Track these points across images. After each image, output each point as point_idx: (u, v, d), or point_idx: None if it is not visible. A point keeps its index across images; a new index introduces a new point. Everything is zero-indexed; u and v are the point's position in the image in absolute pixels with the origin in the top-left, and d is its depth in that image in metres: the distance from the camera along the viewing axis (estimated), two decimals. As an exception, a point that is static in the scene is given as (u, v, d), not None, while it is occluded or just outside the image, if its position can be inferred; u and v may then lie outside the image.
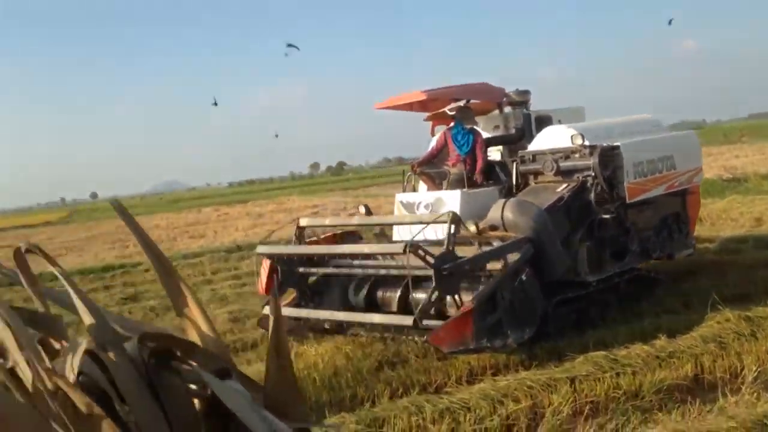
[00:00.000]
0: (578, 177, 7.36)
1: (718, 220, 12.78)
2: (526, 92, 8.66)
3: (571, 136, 7.47)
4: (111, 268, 15.19)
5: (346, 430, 4.65)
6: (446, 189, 7.95)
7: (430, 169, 8.39)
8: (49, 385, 1.09)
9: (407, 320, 5.89)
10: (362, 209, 8.44)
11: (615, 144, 7.38)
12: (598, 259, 7.37)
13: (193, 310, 1.45)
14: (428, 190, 8.35)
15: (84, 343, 1.20)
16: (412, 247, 5.77)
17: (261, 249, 7.70)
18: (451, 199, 7.50)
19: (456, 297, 6.06)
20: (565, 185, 7.35)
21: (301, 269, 7.46)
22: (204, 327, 1.44)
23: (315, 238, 8.01)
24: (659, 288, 8.08)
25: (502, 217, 6.72)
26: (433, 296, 5.86)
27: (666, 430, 4.34)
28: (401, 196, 8.19)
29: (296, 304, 7.43)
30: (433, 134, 9.14)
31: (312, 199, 39.71)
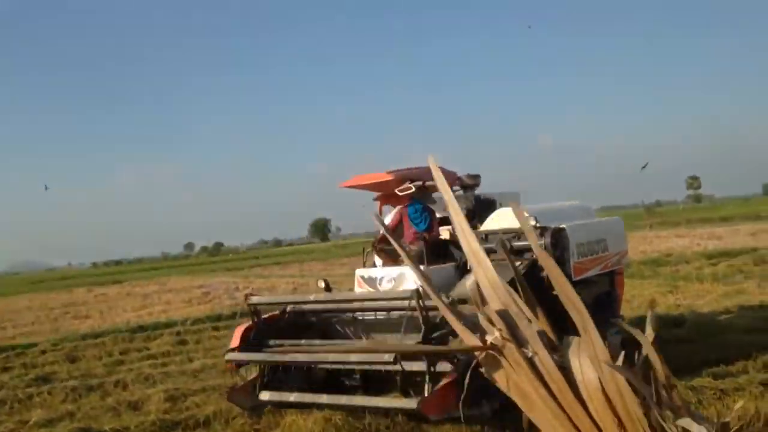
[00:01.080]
0: (530, 256, 7.75)
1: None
2: (477, 176, 9.19)
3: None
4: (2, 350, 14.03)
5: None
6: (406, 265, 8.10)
7: (388, 248, 8.61)
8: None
9: (411, 403, 5.99)
10: (321, 284, 8.45)
11: (562, 226, 7.95)
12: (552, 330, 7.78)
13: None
14: (384, 265, 8.60)
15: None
16: (418, 294, 6.16)
17: (254, 300, 7.74)
18: (414, 274, 7.55)
19: (432, 368, 6.15)
20: (519, 263, 7.62)
21: (262, 356, 7.33)
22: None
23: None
24: None
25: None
26: (430, 370, 6.01)
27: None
28: (362, 272, 8.36)
29: (265, 384, 7.33)
30: (381, 213, 9.51)
31: (196, 280, 38.69)
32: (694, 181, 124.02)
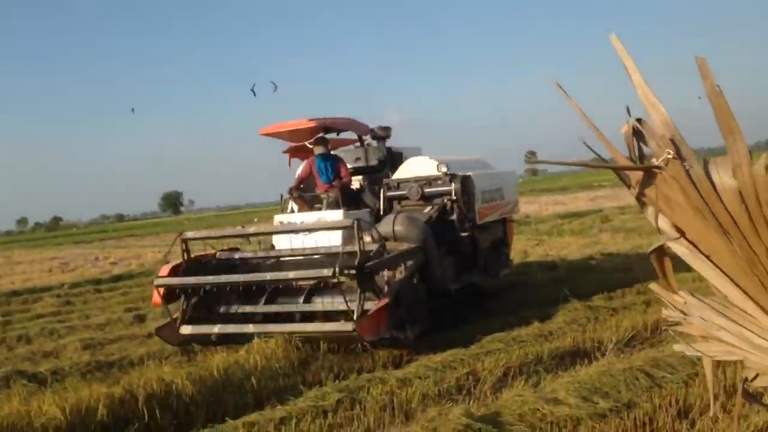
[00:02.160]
0: (440, 201, 8.48)
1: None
2: (388, 128, 9.71)
3: (437, 165, 8.59)
4: None
5: (329, 398, 5.16)
6: (325, 210, 8.53)
7: (304, 194, 8.99)
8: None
9: (347, 326, 6.40)
10: (256, 221, 8.64)
11: (468, 174, 8.65)
12: (458, 270, 8.51)
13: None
14: (300, 211, 8.90)
15: None
16: (359, 224, 6.56)
17: (187, 234, 7.81)
18: (334, 218, 8.09)
19: (362, 297, 6.54)
20: (429, 208, 8.43)
21: (194, 280, 7.50)
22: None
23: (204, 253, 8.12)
24: (490, 299, 9.49)
25: (393, 230, 7.58)
26: (362, 295, 6.49)
27: (570, 378, 5.55)
28: (281, 217, 8.66)
29: (190, 319, 7.54)
30: (290, 166, 9.86)
31: (43, 253, 36.39)
32: (532, 156, 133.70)
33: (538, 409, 4.70)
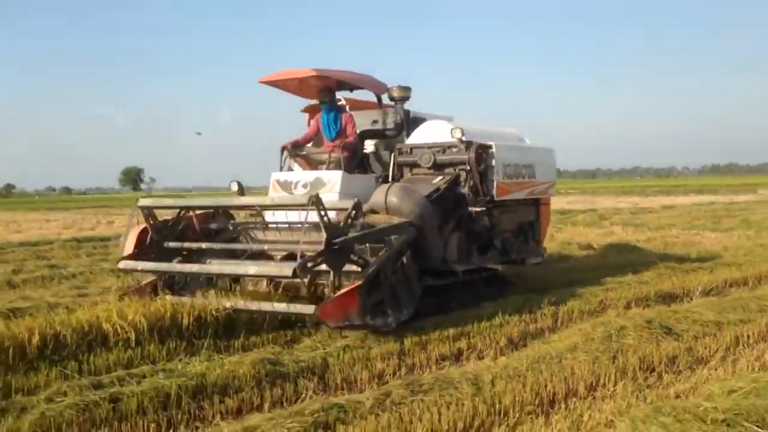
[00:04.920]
0: (453, 171, 7.71)
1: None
2: (408, 88, 8.54)
3: (451, 130, 7.70)
4: None
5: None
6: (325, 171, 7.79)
7: (308, 152, 8.35)
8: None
9: (308, 309, 5.76)
10: (234, 186, 8.13)
11: (489, 143, 7.87)
12: (467, 250, 7.68)
13: None
14: (302, 170, 8.30)
15: None
16: (318, 201, 5.71)
17: (144, 202, 7.10)
18: (331, 180, 7.41)
19: (337, 276, 5.99)
20: (440, 177, 7.63)
21: (169, 244, 7.07)
22: None
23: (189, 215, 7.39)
24: (509, 288, 8.53)
25: (385, 201, 6.85)
26: (336, 275, 5.90)
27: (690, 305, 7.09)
28: (277, 175, 7.92)
29: (154, 287, 7.02)
30: (308, 125, 8.88)
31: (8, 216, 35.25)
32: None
33: (686, 317, 6.34)
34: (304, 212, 5.98)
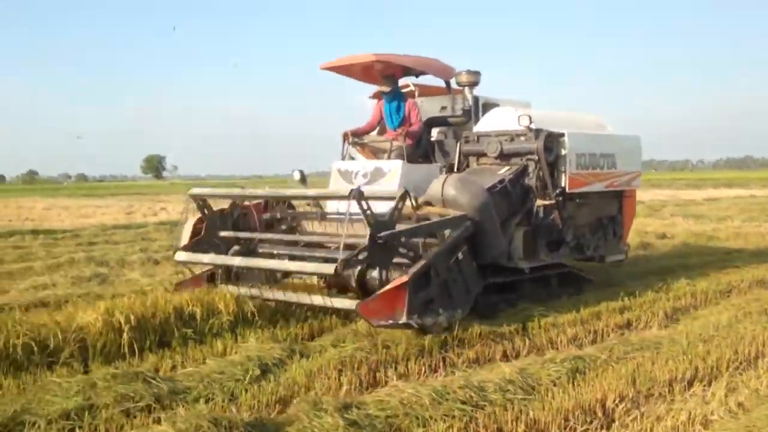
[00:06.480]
0: (521, 161, 7.27)
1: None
2: (477, 73, 8.20)
3: (519, 117, 7.25)
4: None
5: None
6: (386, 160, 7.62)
7: (369, 141, 8.19)
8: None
9: (351, 304, 5.64)
10: (296, 175, 8.05)
11: (561, 131, 7.36)
12: (534, 246, 7.21)
13: None
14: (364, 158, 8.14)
15: None
16: (359, 194, 5.50)
17: (196, 191, 7.12)
18: (392, 170, 7.23)
19: (384, 272, 5.78)
20: (506, 168, 7.23)
21: (223, 234, 7.10)
22: None
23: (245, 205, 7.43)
24: (588, 287, 8.00)
25: (442, 193, 6.51)
26: (361, 256, 5.60)
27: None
28: (339, 164, 7.82)
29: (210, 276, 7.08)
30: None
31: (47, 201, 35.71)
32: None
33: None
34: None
